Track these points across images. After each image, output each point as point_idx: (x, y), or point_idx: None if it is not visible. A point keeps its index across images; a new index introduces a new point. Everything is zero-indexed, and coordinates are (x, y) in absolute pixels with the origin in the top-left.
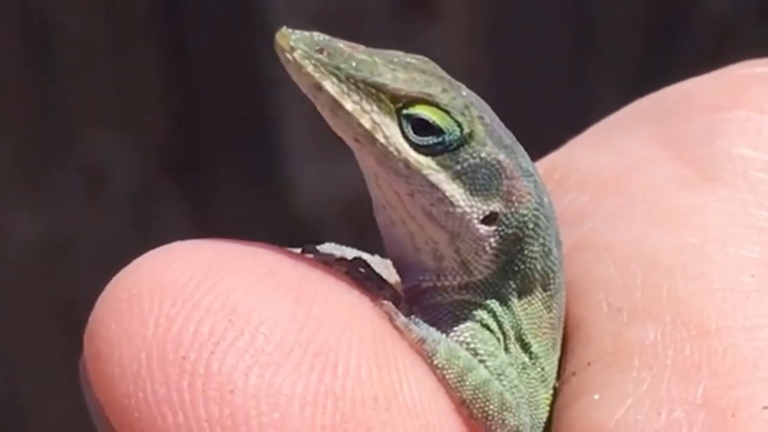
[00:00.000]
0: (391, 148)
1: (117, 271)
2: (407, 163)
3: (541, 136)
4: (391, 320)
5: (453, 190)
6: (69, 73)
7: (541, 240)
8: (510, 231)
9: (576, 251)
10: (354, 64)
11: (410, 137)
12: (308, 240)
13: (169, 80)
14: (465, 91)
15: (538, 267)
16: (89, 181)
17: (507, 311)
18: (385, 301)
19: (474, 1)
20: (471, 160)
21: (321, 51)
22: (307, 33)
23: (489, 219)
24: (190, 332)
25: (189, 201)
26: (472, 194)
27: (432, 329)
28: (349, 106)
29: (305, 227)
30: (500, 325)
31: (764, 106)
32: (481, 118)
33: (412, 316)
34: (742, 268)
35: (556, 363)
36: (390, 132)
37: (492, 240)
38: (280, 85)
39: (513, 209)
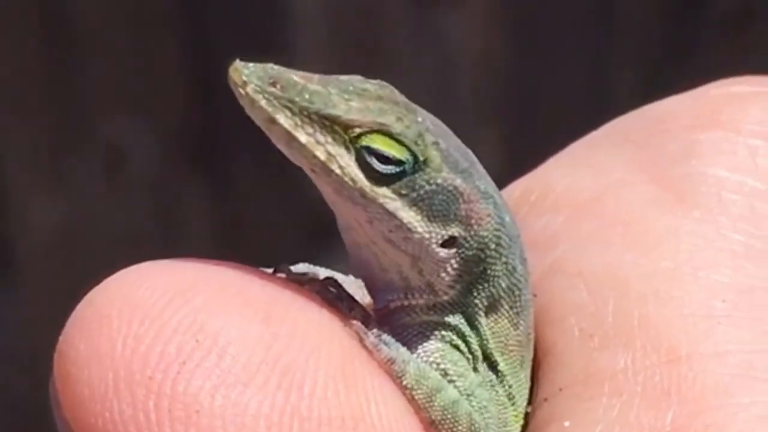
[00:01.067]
0: (347, 179)
1: (136, 255)
2: (363, 193)
3: (562, 119)
4: (361, 340)
5: (410, 216)
6: (88, 58)
7: (504, 259)
8: (471, 252)
9: (549, 276)
10: (307, 96)
11: (366, 168)
12: (326, 226)
13: (188, 65)
14: (421, 117)
15: (503, 285)
16: (108, 166)
17: (474, 330)
18: (355, 321)
19: None
20: (427, 187)
21: (274, 84)
22: (260, 66)
23: (449, 242)
24: (157, 352)
25: (208, 185)
26: (430, 220)
27: (402, 349)
28: (303, 138)
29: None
30: (468, 345)
31: (740, 127)
32: (436, 144)
33: (383, 336)
34: (714, 293)
35: (524, 380)
36: (344, 162)
37: (453, 262)
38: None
39: (473, 232)
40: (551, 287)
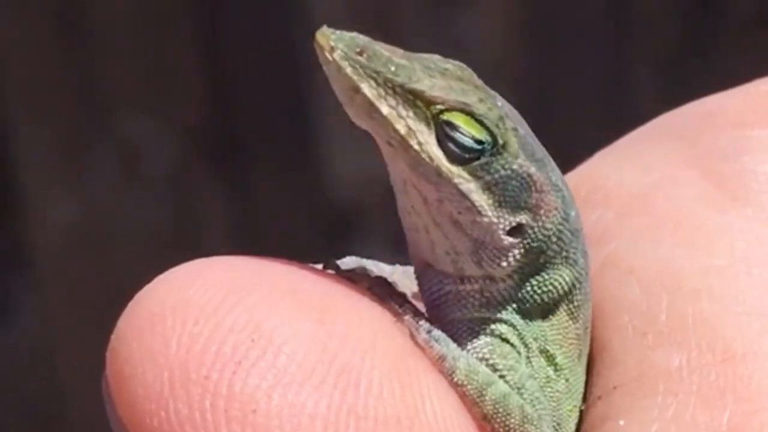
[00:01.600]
0: (424, 155)
1: (153, 253)
2: (439, 171)
3: (579, 122)
4: (412, 337)
5: (482, 199)
6: (105, 55)
7: (565, 253)
8: (534, 244)
9: (602, 272)
10: (393, 68)
11: (444, 146)
12: (345, 224)
13: (205, 62)
14: (500, 102)
15: (565, 278)
16: (126, 164)
17: (529, 323)
18: (407, 317)
19: None
20: (503, 172)
21: (360, 53)
22: (347, 33)
23: (515, 230)
24: (213, 351)
25: (225, 183)
26: (500, 205)
27: (452, 345)
28: (385, 110)
29: (343, 211)
30: (522, 338)
31: None
32: (515, 130)
33: (433, 332)
34: None
35: (581, 374)
36: (424, 139)
37: (515, 251)
38: (317, 68)
39: (540, 222)
40: (604, 284)
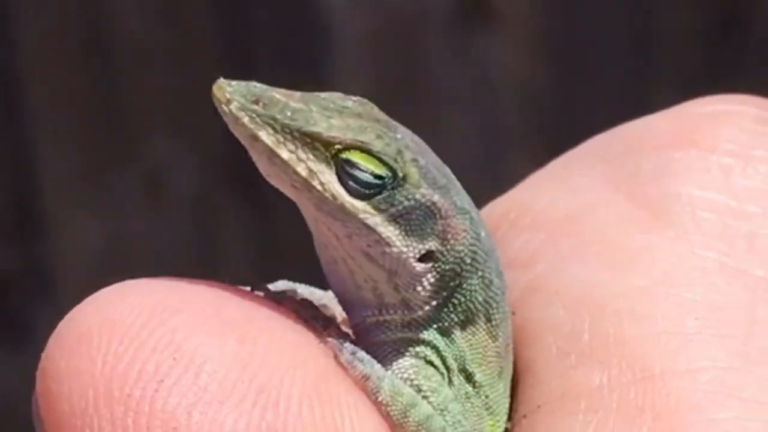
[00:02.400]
0: (327, 194)
1: (176, 275)
2: (343, 208)
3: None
4: (336, 357)
5: (389, 231)
6: (130, 80)
7: (480, 273)
8: (447, 267)
9: (528, 294)
10: (289, 113)
11: (346, 183)
12: None
13: None
14: (400, 134)
15: (480, 299)
16: (149, 187)
17: (450, 344)
18: (330, 338)
19: (533, 8)
20: (406, 203)
21: (257, 102)
22: (243, 83)
23: (425, 257)
24: (136, 370)
25: (248, 206)
26: (407, 234)
27: (377, 366)
28: (285, 155)
29: None
30: (443, 360)
31: (715, 145)
32: (415, 161)
33: (357, 353)
34: (686, 311)
35: (502, 390)
36: (326, 179)
37: (429, 276)
38: (343, 93)
39: (449, 246)
40: (530, 305)
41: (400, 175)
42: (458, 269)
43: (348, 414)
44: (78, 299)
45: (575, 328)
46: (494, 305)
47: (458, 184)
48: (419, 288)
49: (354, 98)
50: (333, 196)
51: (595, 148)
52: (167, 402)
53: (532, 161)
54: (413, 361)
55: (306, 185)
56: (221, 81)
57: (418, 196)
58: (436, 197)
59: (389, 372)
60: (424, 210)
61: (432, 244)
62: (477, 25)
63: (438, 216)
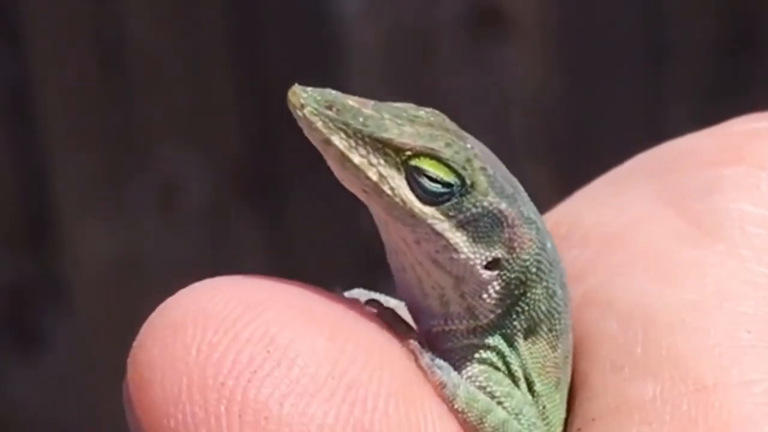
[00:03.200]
0: (397, 199)
1: (189, 284)
2: (412, 213)
3: (616, 155)
4: (416, 360)
5: (457, 237)
6: (144, 90)
7: (545, 283)
8: (513, 275)
9: (581, 307)
10: (362, 119)
11: (416, 189)
12: (381, 256)
13: (243, 97)
14: (470, 143)
15: (543, 308)
16: (163, 197)
17: (513, 352)
18: (412, 341)
19: (548, 18)
20: (473, 210)
21: (330, 107)
22: (318, 90)
23: (492, 264)
24: (230, 360)
25: (262, 218)
26: (475, 241)
27: (453, 373)
28: (356, 159)
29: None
30: (508, 366)
31: (763, 162)
32: (483, 169)
33: (436, 360)
34: (739, 324)
35: (558, 401)
36: (395, 184)
37: (495, 284)
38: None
39: (515, 255)
40: (584, 319)
41: (469, 182)
42: (523, 278)
43: (431, 417)
44: (92, 309)
45: (628, 341)
46: (556, 316)
47: (526, 196)
48: (485, 295)
49: (427, 109)
50: (402, 201)
51: (642, 165)
52: (260, 392)
53: (543, 171)
54: (483, 367)
55: (376, 189)
56: (296, 87)
57: (486, 204)
58: (503, 205)
59: (463, 379)
60: (491, 218)
61: (499, 252)
62: (489, 36)
63: (505, 224)
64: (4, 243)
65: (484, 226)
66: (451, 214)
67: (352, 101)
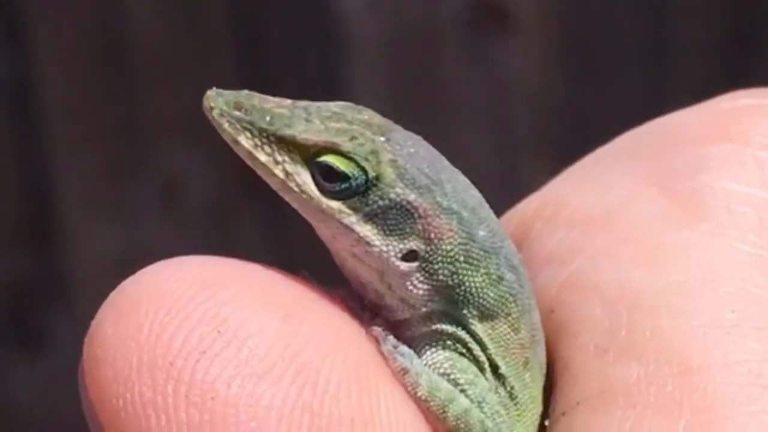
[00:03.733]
0: (305, 196)
1: None
2: (321, 209)
3: None
4: (378, 345)
5: (366, 230)
6: (147, 88)
7: (483, 270)
8: (437, 266)
9: (565, 291)
10: (268, 119)
11: (321, 184)
12: None
13: None
14: (390, 137)
15: (491, 295)
16: (166, 194)
17: (472, 337)
18: (375, 327)
19: (550, 14)
20: (380, 202)
21: (239, 108)
22: (231, 93)
23: (409, 256)
24: (180, 340)
25: (264, 214)
26: (386, 234)
27: (416, 360)
28: (263, 158)
29: None
30: (471, 351)
31: (749, 139)
32: (393, 161)
33: (399, 347)
34: (723, 305)
35: (528, 380)
36: (301, 180)
37: (418, 275)
38: (356, 102)
39: (433, 246)
40: (567, 302)
41: (372, 174)
42: (452, 268)
43: (384, 401)
44: (94, 306)
45: (612, 324)
46: (511, 299)
47: (454, 186)
48: (411, 287)
49: (354, 106)
50: (309, 196)
51: (627, 144)
52: (207, 373)
53: (545, 168)
54: (447, 354)
55: (285, 187)
56: (210, 91)
57: (392, 196)
58: (412, 197)
59: (426, 367)
60: (399, 209)
61: (413, 244)
62: (491, 33)
63: (416, 215)
64: (7, 240)
65: (393, 218)
66: (358, 207)
67: (265, 102)
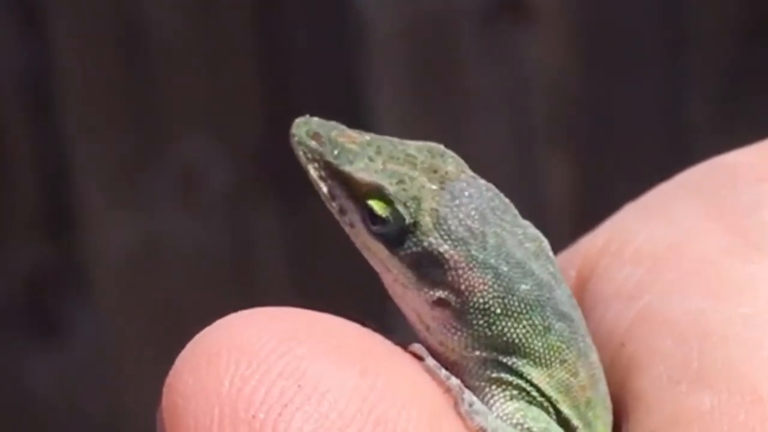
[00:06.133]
0: (354, 231)
1: (209, 273)
2: (366, 246)
3: (636, 142)
4: (456, 405)
5: (402, 273)
6: (165, 76)
7: (526, 322)
8: (470, 316)
9: (636, 325)
10: (336, 152)
11: (368, 223)
12: None
13: (264, 85)
14: (448, 186)
15: (538, 344)
16: (184, 184)
17: (532, 385)
18: (453, 385)
19: (569, 3)
20: (414, 248)
21: (316, 139)
22: (315, 121)
23: (440, 303)
24: (262, 393)
25: (283, 205)
26: (419, 279)
27: (491, 417)
28: (324, 189)
29: None
30: (534, 399)
31: None
32: (434, 210)
33: (474, 405)
34: None
35: (591, 418)
36: (353, 217)
37: (453, 321)
38: (375, 92)
39: (464, 298)
40: (638, 337)
41: (409, 221)
42: (489, 319)
43: None
44: (112, 295)
45: (684, 356)
46: (563, 347)
47: (504, 240)
48: (445, 331)
49: (438, 148)
50: (357, 233)
51: (688, 180)
52: (290, 426)
53: (563, 157)
54: (516, 404)
55: (341, 221)
56: (300, 118)
57: (425, 244)
58: (444, 248)
59: (500, 420)
60: (430, 258)
61: (443, 293)
62: (511, 23)
63: (446, 266)
64: (25, 231)
65: (426, 265)
66: (396, 250)
67: (341, 136)
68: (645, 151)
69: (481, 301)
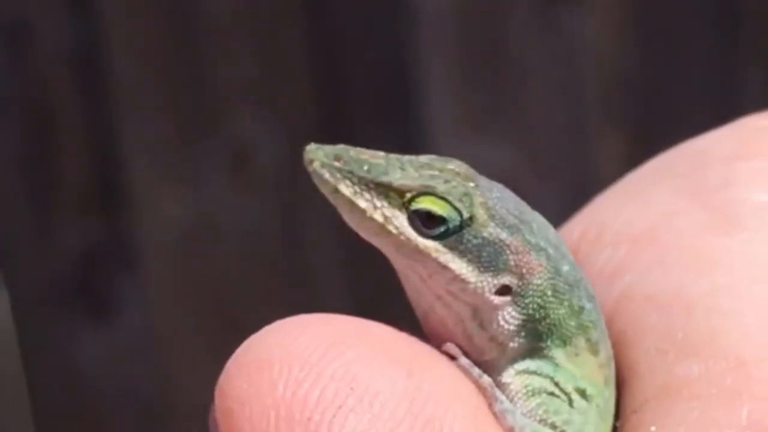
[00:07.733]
0: (402, 237)
1: (259, 251)
2: (417, 249)
3: (688, 120)
4: (490, 405)
5: (462, 268)
6: (214, 54)
7: (566, 302)
8: (528, 300)
9: (621, 303)
10: (366, 168)
11: (418, 226)
12: None
13: (314, 62)
14: (477, 184)
15: (572, 324)
16: (235, 161)
17: (559, 370)
18: (488, 385)
19: None
20: (474, 241)
21: (338, 159)
22: (329, 147)
23: (503, 291)
24: (316, 396)
25: None
26: (480, 270)
27: (518, 414)
28: (362, 204)
29: None
30: (558, 385)
31: None
32: (483, 203)
33: (505, 403)
34: None
35: (608, 396)
36: (399, 223)
37: (510, 309)
38: (425, 68)
39: (525, 281)
40: (624, 314)
41: (467, 215)
42: (541, 301)
43: None
44: (163, 274)
45: (669, 328)
46: (591, 326)
47: (539, 227)
48: (502, 322)
49: (440, 158)
50: (407, 238)
51: (661, 165)
52: (345, 426)
53: (617, 137)
54: (539, 400)
55: (383, 230)
56: (310, 146)
57: (485, 235)
58: (503, 235)
59: (525, 418)
60: (493, 246)
61: (507, 279)
62: (563, 2)
63: (508, 252)
64: (75, 208)
65: (487, 255)
66: (453, 245)
67: (361, 154)
68: (698, 130)
69: (538, 282)
